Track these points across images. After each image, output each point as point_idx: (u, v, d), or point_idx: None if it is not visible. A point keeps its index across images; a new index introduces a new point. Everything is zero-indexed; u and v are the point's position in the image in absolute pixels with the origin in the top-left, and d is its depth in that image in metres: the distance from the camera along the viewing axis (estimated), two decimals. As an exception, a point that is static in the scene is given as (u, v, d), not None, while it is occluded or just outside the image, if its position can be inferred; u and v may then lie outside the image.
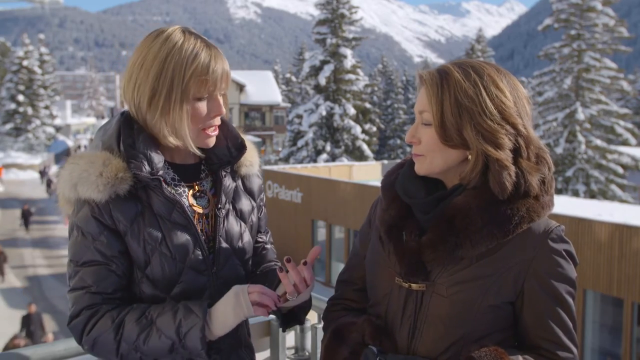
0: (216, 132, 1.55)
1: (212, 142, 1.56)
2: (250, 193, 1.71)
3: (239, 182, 1.68)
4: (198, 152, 1.54)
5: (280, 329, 1.95)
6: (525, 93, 1.44)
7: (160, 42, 1.48)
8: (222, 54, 1.52)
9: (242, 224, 1.64)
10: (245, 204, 1.67)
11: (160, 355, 1.44)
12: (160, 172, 1.49)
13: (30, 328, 13.75)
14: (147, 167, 1.46)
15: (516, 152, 1.38)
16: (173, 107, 1.46)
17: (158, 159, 1.50)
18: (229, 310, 1.44)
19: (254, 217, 1.70)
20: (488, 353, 1.32)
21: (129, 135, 1.49)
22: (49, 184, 39.74)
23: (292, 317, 1.63)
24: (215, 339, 1.48)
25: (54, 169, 48.58)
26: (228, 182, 1.62)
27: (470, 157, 1.40)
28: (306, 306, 1.63)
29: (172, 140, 1.50)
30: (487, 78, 1.39)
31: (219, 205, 1.58)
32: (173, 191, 1.53)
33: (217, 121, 1.54)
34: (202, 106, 1.49)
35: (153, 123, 1.49)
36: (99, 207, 1.45)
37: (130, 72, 1.51)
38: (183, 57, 1.46)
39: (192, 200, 1.56)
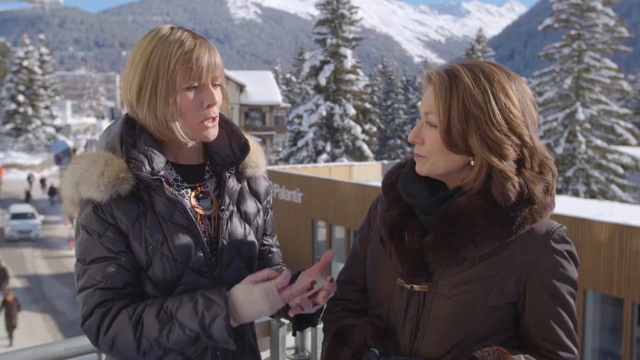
0: (215, 123, 1.52)
1: (212, 134, 1.52)
2: (256, 195, 1.69)
3: (245, 183, 1.66)
4: (190, 142, 1.51)
5: (284, 333, 1.94)
6: (533, 98, 1.43)
7: (148, 39, 1.48)
8: (210, 44, 1.50)
9: (247, 226, 1.62)
10: (250, 206, 1.65)
11: (185, 348, 1.42)
12: (162, 172, 1.47)
13: None
14: (147, 167, 1.45)
15: (520, 162, 1.37)
16: (159, 99, 1.44)
17: (159, 159, 1.49)
18: (257, 299, 1.40)
19: (259, 220, 1.68)
20: (490, 352, 1.31)
21: (131, 135, 1.48)
22: (43, 183, 39.65)
23: (305, 319, 1.61)
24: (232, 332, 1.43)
25: (45, 172, 48.58)
26: (232, 183, 1.60)
27: (473, 163, 1.39)
28: (320, 308, 1.61)
29: (164, 133, 1.49)
30: (497, 85, 1.37)
31: (222, 207, 1.56)
32: (175, 192, 1.51)
33: (213, 112, 1.51)
34: (191, 96, 1.47)
35: (144, 117, 1.48)
36: (101, 206, 1.44)
37: (124, 75, 1.52)
38: (167, 47, 1.45)
39: (194, 202, 1.55)
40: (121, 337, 1.40)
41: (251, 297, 1.41)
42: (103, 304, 1.42)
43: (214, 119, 1.51)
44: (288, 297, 1.41)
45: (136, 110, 1.49)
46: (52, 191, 35.72)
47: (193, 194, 1.55)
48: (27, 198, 36.33)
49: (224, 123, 1.61)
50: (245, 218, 1.62)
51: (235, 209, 1.60)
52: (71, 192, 1.46)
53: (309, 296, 1.46)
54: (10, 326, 15.66)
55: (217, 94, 1.51)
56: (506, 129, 1.35)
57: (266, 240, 1.74)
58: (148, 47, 1.47)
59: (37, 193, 40.07)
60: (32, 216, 27.97)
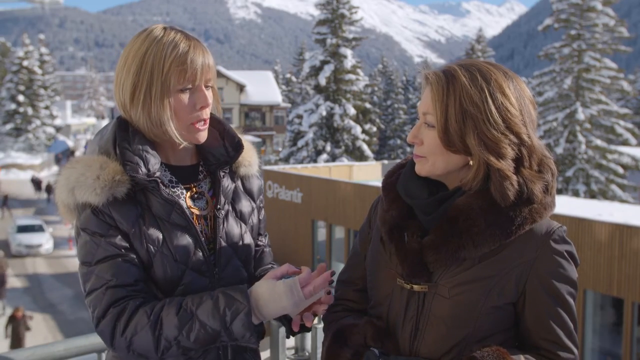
0: (206, 126, 1.53)
1: (203, 136, 1.53)
2: (249, 194, 1.69)
3: (239, 182, 1.67)
4: (184, 143, 1.51)
5: (285, 333, 1.94)
6: (531, 97, 1.42)
7: (141, 40, 1.48)
8: (203, 46, 1.51)
9: (243, 225, 1.63)
10: (245, 205, 1.66)
11: (205, 346, 1.41)
12: (157, 174, 1.48)
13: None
14: (143, 169, 1.45)
15: (518, 161, 1.37)
16: (154, 100, 1.45)
17: (154, 160, 1.49)
18: (281, 295, 1.41)
19: (254, 218, 1.69)
20: (490, 353, 1.31)
21: (124, 137, 1.48)
22: (39, 185, 39.28)
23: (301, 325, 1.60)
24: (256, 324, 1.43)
25: (45, 172, 48.42)
26: (227, 182, 1.60)
27: (471, 162, 1.39)
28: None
29: (158, 134, 1.49)
30: (494, 84, 1.37)
31: (218, 206, 1.56)
32: (171, 192, 1.51)
33: (205, 114, 1.51)
34: (186, 98, 1.47)
35: (137, 118, 1.48)
36: (99, 209, 1.44)
37: (116, 74, 1.52)
38: (162, 49, 1.45)
39: (189, 202, 1.55)
40: (140, 336, 1.38)
41: (275, 293, 1.41)
42: (117, 303, 1.40)
43: (205, 120, 1.52)
44: (310, 293, 1.41)
45: (129, 111, 1.49)
46: (49, 189, 35.13)
47: (188, 194, 1.56)
48: (4, 202, 32.57)
49: (216, 123, 1.61)
50: (240, 217, 1.63)
51: (230, 208, 1.61)
52: (66, 198, 1.45)
53: (309, 308, 1.49)
54: (18, 347, 12.84)
55: (210, 95, 1.51)
56: (503, 127, 1.35)
57: (260, 241, 1.74)
58: (142, 48, 1.46)
59: (36, 193, 40.01)
60: (40, 228, 24.86)
